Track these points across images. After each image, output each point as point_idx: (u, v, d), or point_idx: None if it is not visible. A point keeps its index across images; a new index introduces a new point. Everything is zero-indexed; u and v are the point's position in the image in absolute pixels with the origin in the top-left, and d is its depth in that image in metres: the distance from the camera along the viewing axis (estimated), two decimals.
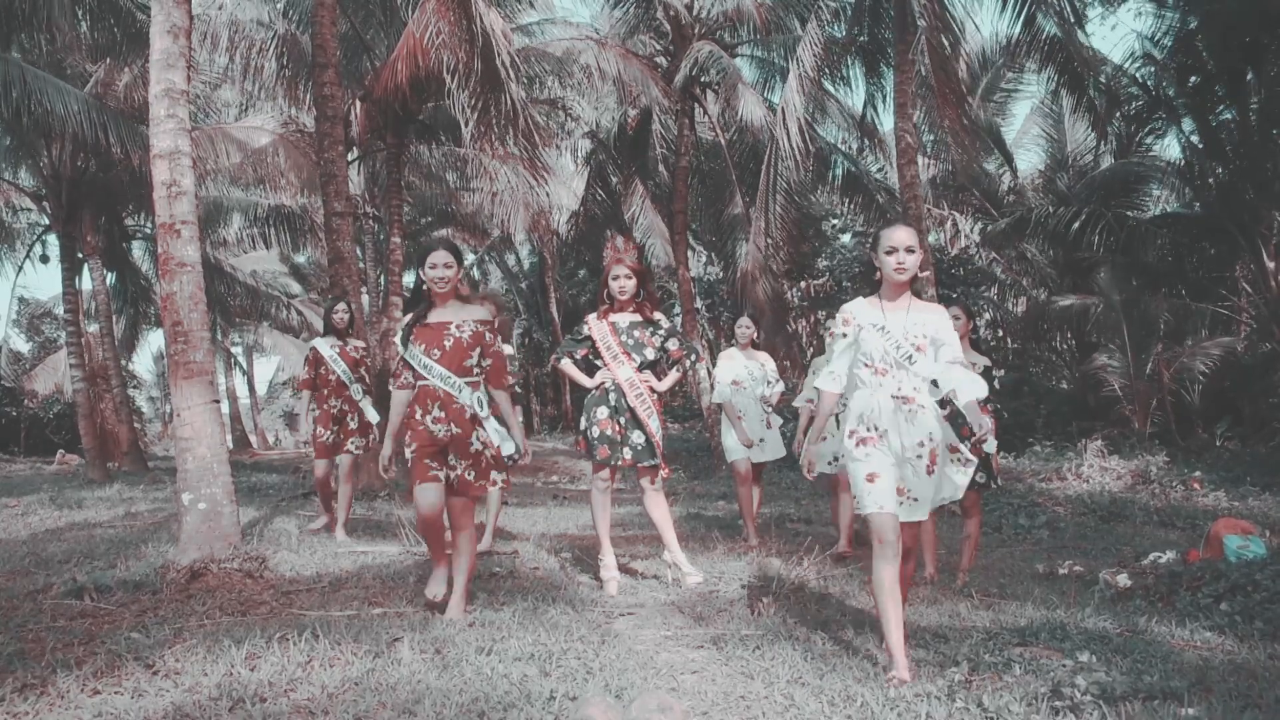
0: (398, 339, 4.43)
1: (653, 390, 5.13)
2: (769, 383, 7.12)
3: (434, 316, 4.36)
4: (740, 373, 7.05)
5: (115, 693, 3.13)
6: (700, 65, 15.52)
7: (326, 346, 7.17)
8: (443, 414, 4.25)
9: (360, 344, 7.47)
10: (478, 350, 4.34)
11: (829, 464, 6.18)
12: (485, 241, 25.82)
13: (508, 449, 4.39)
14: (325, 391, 7.13)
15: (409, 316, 4.44)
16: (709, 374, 17.42)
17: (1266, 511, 8.04)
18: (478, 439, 4.26)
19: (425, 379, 4.28)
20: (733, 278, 16.99)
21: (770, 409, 7.10)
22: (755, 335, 7.26)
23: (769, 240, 14.27)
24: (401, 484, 8.72)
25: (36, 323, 32.66)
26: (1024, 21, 12.18)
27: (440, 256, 4.32)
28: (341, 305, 7.42)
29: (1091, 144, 16.60)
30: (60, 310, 21.83)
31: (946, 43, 11.70)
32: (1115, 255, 14.46)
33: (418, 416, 4.28)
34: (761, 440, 6.97)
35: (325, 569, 5.45)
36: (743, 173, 16.74)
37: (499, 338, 4.46)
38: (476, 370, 4.34)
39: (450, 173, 18.90)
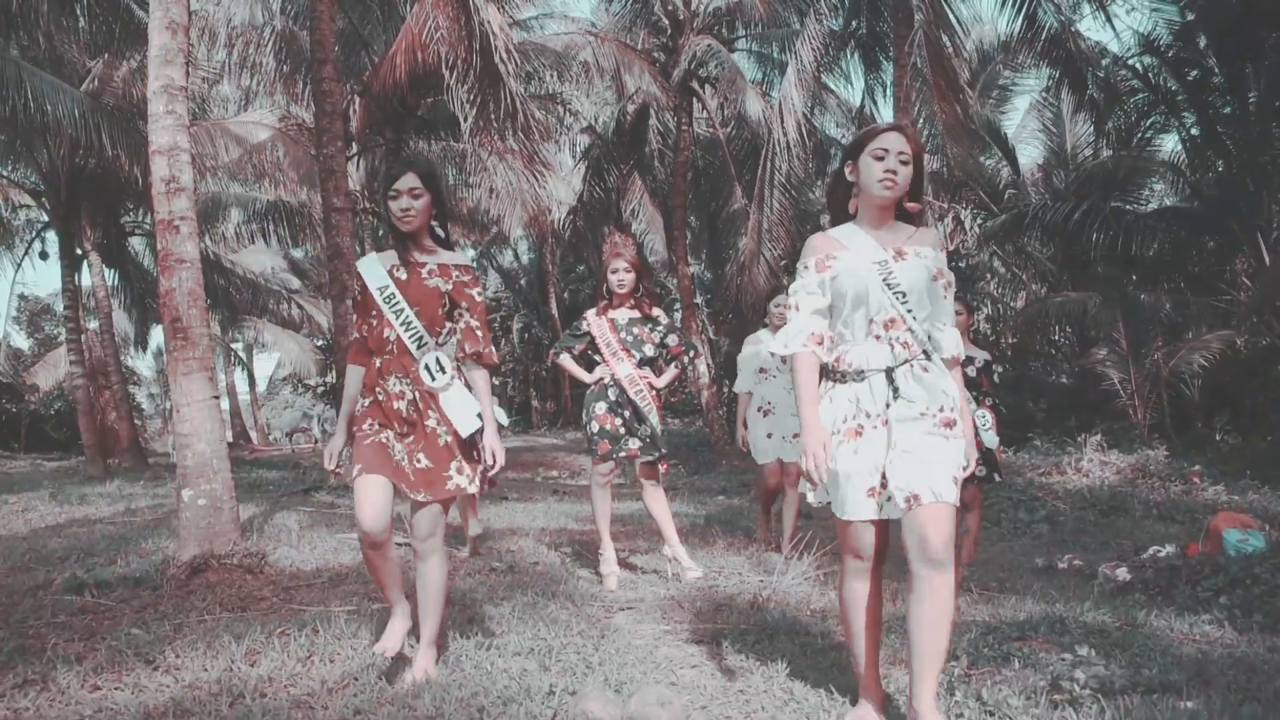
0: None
1: (652, 386, 5.14)
2: None
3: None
4: (769, 360, 6.12)
5: (116, 688, 3.14)
6: (699, 60, 15.52)
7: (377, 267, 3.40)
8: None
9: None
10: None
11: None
12: (485, 237, 25.81)
13: None
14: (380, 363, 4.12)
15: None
16: (708, 369, 17.43)
17: (1266, 505, 8.04)
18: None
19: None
20: (731, 273, 16.98)
21: None
22: None
23: (766, 234, 14.27)
24: None
25: (37, 319, 32.68)
26: (1025, 18, 12.17)
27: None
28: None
29: (1091, 138, 16.60)
30: (60, 307, 21.83)
31: (945, 38, 11.70)
32: (1114, 250, 14.46)
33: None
34: (788, 438, 5.97)
35: (325, 564, 5.45)
36: (741, 168, 16.73)
37: None
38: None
39: (449, 168, 18.89)
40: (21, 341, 32.13)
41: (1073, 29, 12.70)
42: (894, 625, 3.95)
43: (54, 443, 24.07)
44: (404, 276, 3.26)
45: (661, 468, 5.20)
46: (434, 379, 3.19)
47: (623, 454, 5.08)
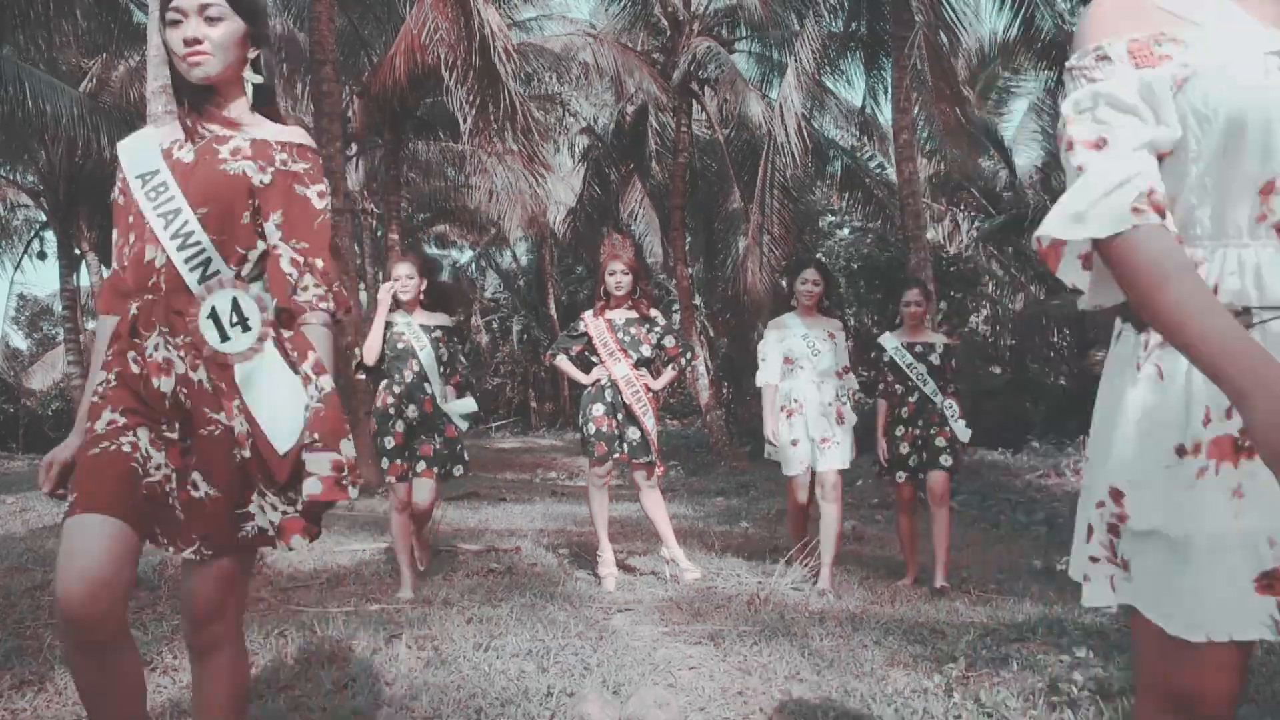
0: None
1: (649, 388, 5.14)
2: (845, 382, 5.23)
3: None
4: (796, 347, 5.14)
5: None
6: (698, 61, 15.52)
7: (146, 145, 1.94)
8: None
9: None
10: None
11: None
12: (484, 238, 25.84)
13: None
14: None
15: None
16: (707, 370, 17.42)
17: None
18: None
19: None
20: (730, 274, 17.00)
21: (847, 398, 5.25)
22: (823, 294, 5.23)
23: (767, 236, 14.29)
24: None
25: (35, 320, 32.67)
26: (1023, 21, 12.20)
27: None
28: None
29: None
30: (58, 307, 21.83)
31: (944, 39, 11.72)
32: None
33: None
34: (819, 442, 5.09)
35: (323, 565, 5.45)
36: (740, 169, 16.74)
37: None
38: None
39: (449, 168, 18.90)
40: (20, 342, 32.14)
41: (1070, 31, 12.73)
42: (892, 626, 3.95)
43: (52, 443, 23.79)
44: (188, 158, 1.82)
45: (658, 469, 5.21)
46: (225, 338, 1.73)
47: (616, 455, 5.09)
